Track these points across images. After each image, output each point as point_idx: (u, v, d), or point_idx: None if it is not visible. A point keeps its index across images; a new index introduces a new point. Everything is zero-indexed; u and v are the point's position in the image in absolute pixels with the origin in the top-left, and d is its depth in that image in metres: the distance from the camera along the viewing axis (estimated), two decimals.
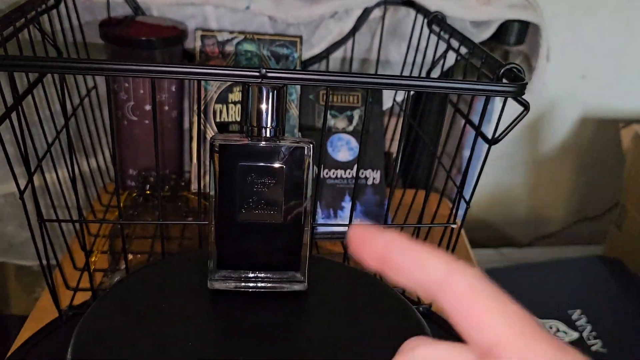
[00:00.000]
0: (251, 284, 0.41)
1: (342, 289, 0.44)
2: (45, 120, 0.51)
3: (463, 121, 0.51)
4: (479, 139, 0.48)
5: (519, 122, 0.45)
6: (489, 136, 0.46)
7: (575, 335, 0.81)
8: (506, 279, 0.92)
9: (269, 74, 0.39)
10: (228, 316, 0.40)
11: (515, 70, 0.44)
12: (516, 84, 0.42)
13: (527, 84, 0.42)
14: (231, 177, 0.39)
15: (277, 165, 0.39)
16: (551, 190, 1.15)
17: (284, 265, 0.41)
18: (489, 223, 1.15)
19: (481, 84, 0.41)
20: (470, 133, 0.51)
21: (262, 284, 0.41)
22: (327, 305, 0.42)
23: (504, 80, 0.45)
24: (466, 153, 0.76)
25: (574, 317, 0.84)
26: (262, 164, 0.39)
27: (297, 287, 0.41)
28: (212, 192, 0.39)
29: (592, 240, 1.16)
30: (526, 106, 0.44)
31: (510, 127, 0.46)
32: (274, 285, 0.41)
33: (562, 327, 0.82)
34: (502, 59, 0.60)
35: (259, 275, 0.41)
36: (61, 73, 0.42)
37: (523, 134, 1.06)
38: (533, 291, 0.90)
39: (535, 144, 1.08)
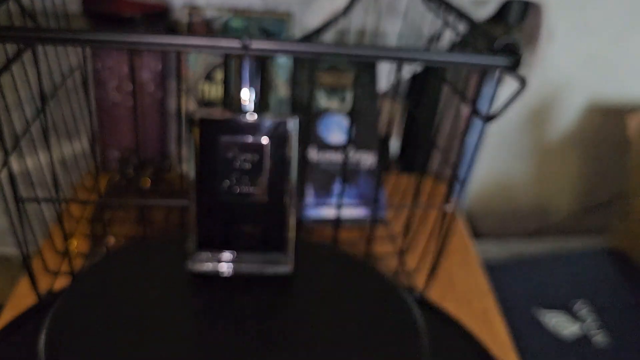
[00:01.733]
0: (233, 266, 0.39)
1: (331, 273, 0.42)
2: (27, 103, 0.49)
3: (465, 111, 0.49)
4: (475, 118, 0.46)
5: (515, 98, 0.43)
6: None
7: (577, 326, 0.79)
8: (510, 273, 0.90)
9: (253, 45, 0.37)
10: (209, 299, 0.38)
11: (510, 44, 0.42)
12: (510, 57, 0.40)
13: (521, 57, 0.40)
14: (212, 153, 0.37)
15: (260, 140, 0.37)
16: (555, 179, 1.12)
17: (268, 246, 0.39)
18: (492, 213, 1.13)
19: (472, 56, 0.39)
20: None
21: (245, 266, 0.39)
22: (314, 290, 0.40)
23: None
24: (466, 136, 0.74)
25: (576, 308, 0.83)
26: (244, 139, 0.37)
27: (281, 269, 0.39)
28: (192, 169, 0.37)
29: (597, 230, 1.14)
30: (523, 82, 0.42)
31: (506, 104, 0.44)
32: (257, 266, 0.39)
33: (565, 318, 0.81)
34: None
35: (241, 256, 0.39)
36: (36, 44, 0.40)
37: (526, 122, 1.03)
38: (536, 283, 0.88)
39: (539, 131, 1.05)
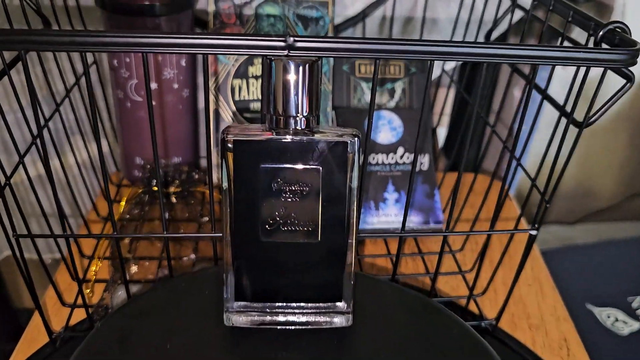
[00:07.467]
0: (279, 319, 0.32)
1: (394, 319, 0.35)
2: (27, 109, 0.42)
3: (516, 92, 0.40)
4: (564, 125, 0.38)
5: (619, 98, 0.35)
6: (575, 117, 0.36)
7: (636, 325, 0.74)
8: (559, 262, 0.84)
9: (298, 44, 0.29)
10: (249, 357, 0.31)
11: (619, 30, 0.34)
12: (627, 50, 0.31)
13: (639, 50, 0.32)
14: (250, 184, 0.30)
15: (311, 167, 0.29)
16: (602, 162, 1.05)
17: (321, 295, 0.32)
18: (534, 197, 1.06)
19: (581, 51, 0.31)
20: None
21: (293, 319, 0.32)
22: (376, 343, 0.33)
23: (603, 45, 0.35)
24: (525, 132, 0.66)
25: (634, 305, 0.77)
26: (291, 166, 0.29)
27: (338, 321, 0.32)
28: (227, 202, 0.30)
29: None
30: (630, 78, 0.34)
31: (608, 105, 0.36)
32: (308, 319, 0.32)
33: (622, 316, 0.76)
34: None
35: (288, 307, 0.32)
36: (32, 50, 0.33)
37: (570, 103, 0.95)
38: (588, 276, 0.83)
39: (582, 112, 0.98)
